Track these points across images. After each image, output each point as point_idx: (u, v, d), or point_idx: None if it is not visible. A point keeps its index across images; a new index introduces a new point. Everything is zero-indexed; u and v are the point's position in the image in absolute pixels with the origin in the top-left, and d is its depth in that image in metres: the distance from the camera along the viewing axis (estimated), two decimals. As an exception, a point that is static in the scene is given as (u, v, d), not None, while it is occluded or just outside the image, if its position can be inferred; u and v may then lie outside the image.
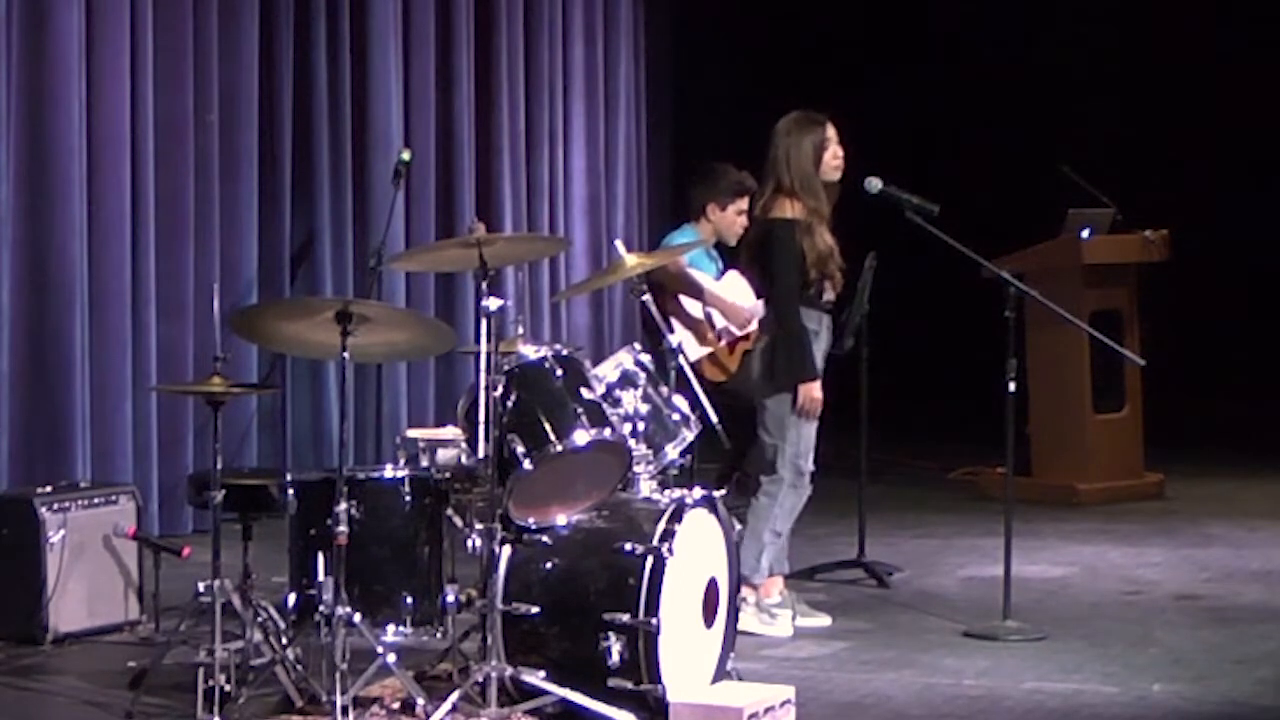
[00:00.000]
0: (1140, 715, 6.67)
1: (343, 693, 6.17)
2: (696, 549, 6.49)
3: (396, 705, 6.42)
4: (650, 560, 6.30)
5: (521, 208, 12.12)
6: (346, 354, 6.31)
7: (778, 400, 7.80)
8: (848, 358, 8.69)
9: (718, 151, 9.22)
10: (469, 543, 6.62)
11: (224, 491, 6.68)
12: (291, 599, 6.59)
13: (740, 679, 6.70)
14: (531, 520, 6.49)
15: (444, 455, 6.96)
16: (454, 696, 6.25)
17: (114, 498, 7.82)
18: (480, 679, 6.28)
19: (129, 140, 9.57)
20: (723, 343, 8.95)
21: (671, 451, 6.86)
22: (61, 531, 7.53)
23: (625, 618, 6.27)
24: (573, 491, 6.56)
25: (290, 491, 6.66)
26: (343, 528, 6.29)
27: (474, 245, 6.58)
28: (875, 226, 8.32)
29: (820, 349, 7.83)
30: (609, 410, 6.61)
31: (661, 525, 6.36)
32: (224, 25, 10.12)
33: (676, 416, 6.90)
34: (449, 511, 6.73)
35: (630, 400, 6.80)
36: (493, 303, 6.52)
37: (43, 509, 7.53)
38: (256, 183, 10.36)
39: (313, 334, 6.43)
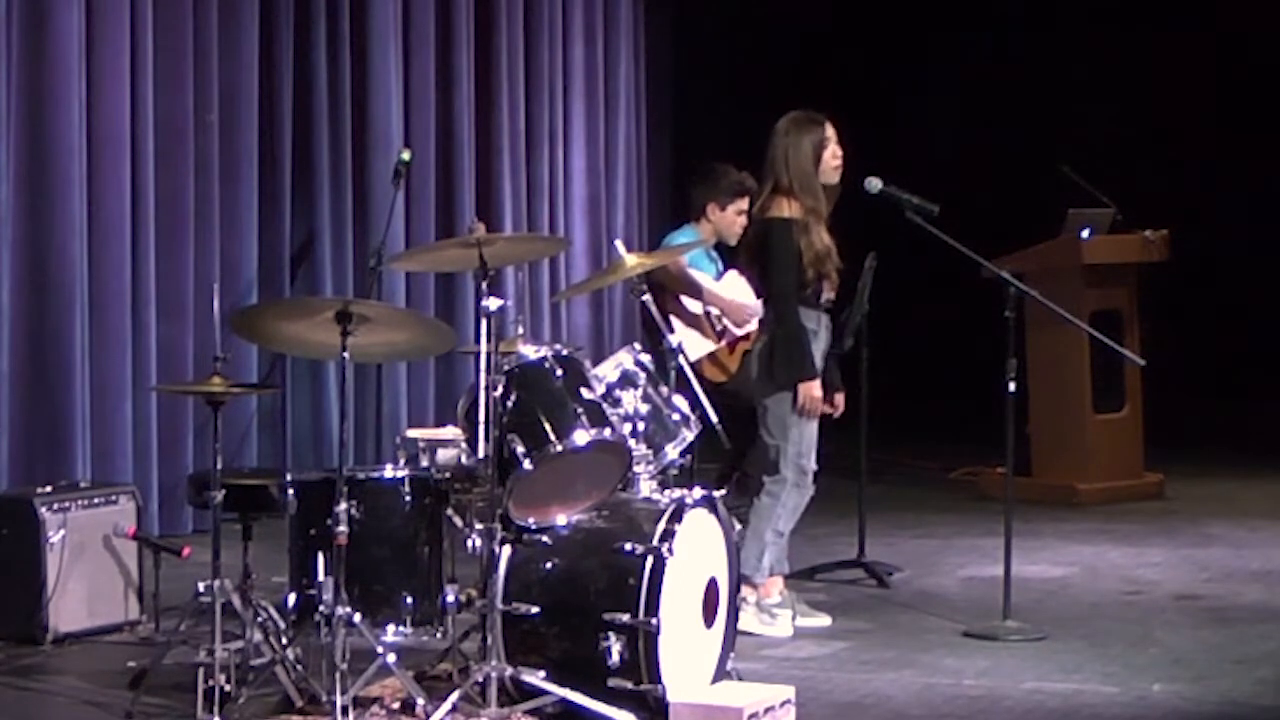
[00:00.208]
0: (1140, 715, 6.67)
1: (343, 693, 6.17)
2: (696, 549, 6.49)
3: (396, 705, 6.42)
4: (650, 560, 6.31)
5: (521, 208, 12.12)
6: (346, 354, 6.31)
7: (778, 400, 7.80)
8: (848, 358, 8.69)
9: (718, 151, 9.22)
10: (469, 543, 6.62)
11: (224, 491, 6.68)
12: (291, 599, 6.59)
13: (740, 679, 6.70)
14: (531, 520, 6.49)
15: (444, 455, 6.96)
16: (454, 696, 6.25)
17: (114, 498, 7.82)
18: (480, 679, 6.28)
19: (129, 140, 9.57)
20: (723, 342, 8.95)
21: (671, 451, 6.86)
22: (61, 531, 7.53)
23: (625, 618, 6.27)
24: (573, 491, 6.56)
25: (290, 491, 6.66)
26: (343, 528, 6.29)
27: (474, 245, 6.58)
28: (875, 226, 8.32)
29: (819, 349, 7.83)
30: (609, 410, 6.61)
31: (661, 525, 6.36)
32: (224, 25, 10.12)
33: (676, 416, 6.90)
34: (449, 511, 6.73)
35: (630, 400, 6.80)
36: (493, 303, 6.52)
37: (43, 509, 7.53)
38: (256, 183, 10.36)
39: (313, 334, 6.43)
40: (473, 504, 6.70)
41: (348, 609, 6.28)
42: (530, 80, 12.24)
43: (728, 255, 9.02)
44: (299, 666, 6.48)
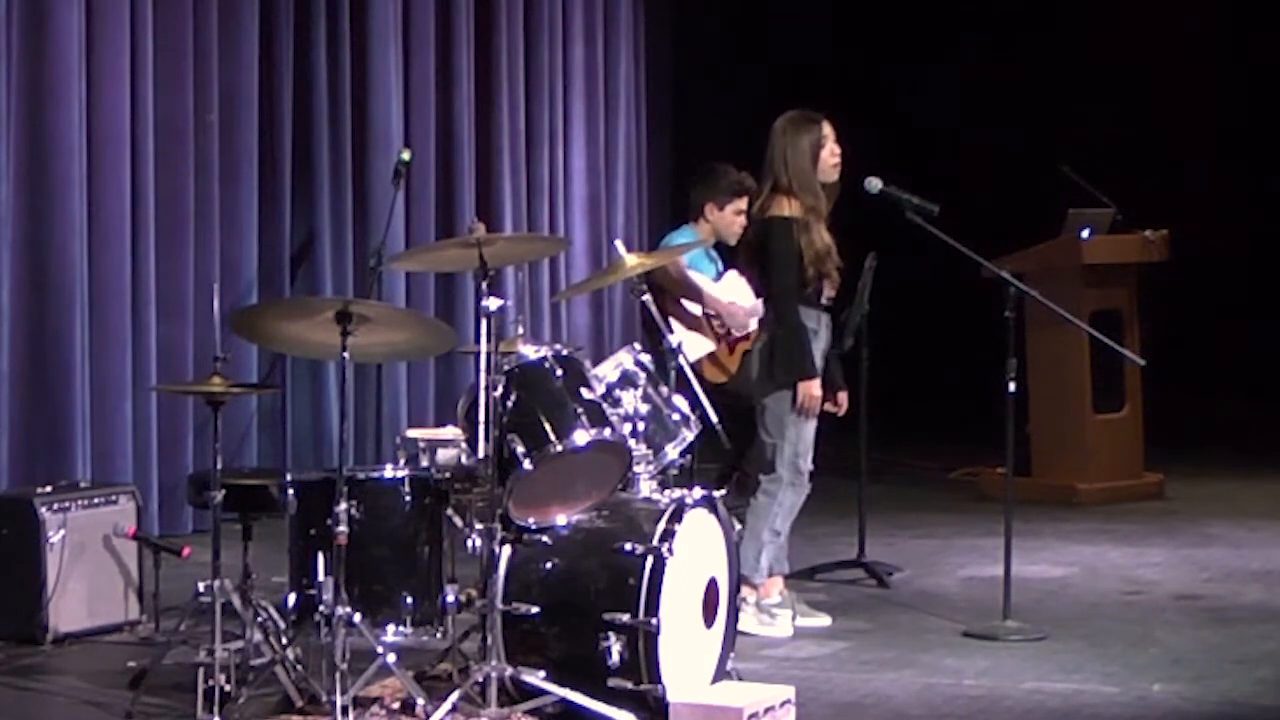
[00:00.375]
0: (1140, 715, 6.67)
1: (343, 693, 6.17)
2: (696, 549, 6.49)
3: (396, 705, 6.42)
4: (650, 560, 6.31)
5: (521, 208, 12.12)
6: (346, 354, 6.31)
7: (776, 399, 7.80)
8: (848, 358, 8.69)
9: (718, 151, 9.22)
10: (469, 543, 6.62)
11: (224, 491, 6.68)
12: (291, 599, 6.59)
13: (740, 679, 6.70)
14: (531, 520, 6.49)
15: (444, 455, 6.96)
16: (454, 696, 6.25)
17: (114, 498, 7.82)
18: (480, 679, 6.28)
19: (129, 140, 9.57)
20: (722, 344, 8.95)
21: (671, 451, 6.86)
22: (61, 531, 7.53)
23: (625, 618, 6.27)
24: (573, 491, 6.56)
25: (290, 491, 6.65)
26: (343, 528, 6.29)
27: (474, 245, 6.58)
28: (875, 226, 8.32)
29: (819, 348, 7.83)
30: (609, 410, 6.61)
31: (661, 525, 6.36)
32: (224, 25, 10.12)
33: (676, 416, 6.90)
34: (449, 511, 6.73)
35: (630, 400, 6.80)
36: (493, 303, 6.52)
37: (43, 509, 7.53)
38: (256, 183, 10.35)
39: (313, 334, 6.43)
40: (473, 504, 6.70)
41: (348, 609, 6.28)
42: (530, 80, 12.24)
43: (727, 255, 9.02)
44: (299, 666, 6.48)
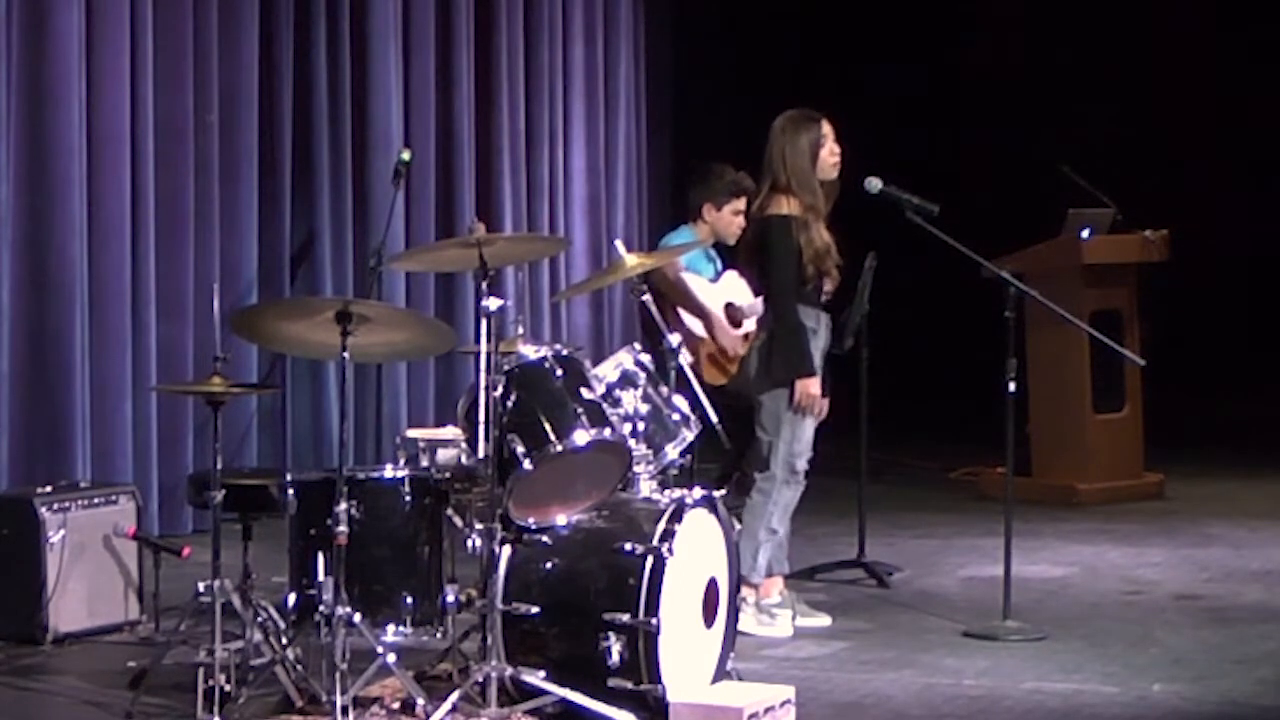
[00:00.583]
0: (1140, 715, 6.67)
1: (343, 693, 6.17)
2: (696, 549, 6.49)
3: (396, 705, 6.42)
4: (650, 560, 6.30)
5: (521, 208, 12.12)
6: (346, 354, 6.31)
7: (774, 396, 7.80)
8: (848, 358, 8.69)
9: (718, 151, 9.21)
10: (469, 543, 6.62)
11: (224, 491, 6.68)
12: (291, 599, 6.59)
13: (740, 679, 6.70)
14: (531, 520, 6.49)
15: (444, 455, 6.96)
16: (454, 696, 6.25)
17: (114, 498, 7.82)
18: (480, 679, 6.28)
19: (129, 140, 9.57)
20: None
21: (671, 451, 6.86)
22: (61, 531, 7.53)
23: (625, 618, 6.26)
24: (573, 491, 6.56)
25: (290, 491, 6.65)
26: (343, 528, 6.29)
27: (474, 245, 6.58)
28: (875, 226, 8.32)
29: (819, 347, 7.83)
30: (609, 410, 6.61)
31: (661, 525, 6.36)
32: (224, 25, 10.12)
33: (676, 416, 6.90)
34: (449, 511, 6.73)
35: (630, 400, 6.80)
36: (493, 303, 6.52)
37: (43, 509, 7.53)
38: (256, 183, 10.36)
39: (313, 334, 6.43)
40: (473, 504, 6.70)
41: (348, 609, 6.28)
42: (530, 80, 12.24)
43: (726, 255, 9.02)
44: (299, 666, 6.47)
